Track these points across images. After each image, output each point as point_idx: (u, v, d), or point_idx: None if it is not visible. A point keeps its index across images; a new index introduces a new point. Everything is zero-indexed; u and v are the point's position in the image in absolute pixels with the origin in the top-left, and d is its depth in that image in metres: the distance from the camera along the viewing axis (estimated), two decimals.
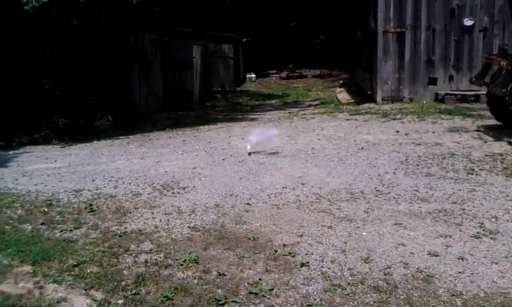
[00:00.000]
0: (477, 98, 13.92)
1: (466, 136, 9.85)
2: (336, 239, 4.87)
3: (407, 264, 4.30)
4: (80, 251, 4.71)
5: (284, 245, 4.74)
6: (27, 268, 4.36)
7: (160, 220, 5.49)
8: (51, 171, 8.24)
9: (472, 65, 14.51)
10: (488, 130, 10.16)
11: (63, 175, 7.85)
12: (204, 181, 7.11)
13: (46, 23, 14.38)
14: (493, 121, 10.61)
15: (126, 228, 5.29)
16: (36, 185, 7.22)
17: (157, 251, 4.66)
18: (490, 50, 13.89)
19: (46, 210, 5.97)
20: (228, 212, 5.72)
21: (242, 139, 10.21)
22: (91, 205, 6.06)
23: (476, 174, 7.21)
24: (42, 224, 5.49)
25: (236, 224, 5.32)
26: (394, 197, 6.19)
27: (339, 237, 4.92)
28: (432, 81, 14.77)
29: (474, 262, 4.34)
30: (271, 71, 30.62)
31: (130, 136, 12.46)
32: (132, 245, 4.80)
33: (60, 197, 6.51)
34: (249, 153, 8.83)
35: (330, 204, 5.95)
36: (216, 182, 7.01)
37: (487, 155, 8.29)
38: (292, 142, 10.09)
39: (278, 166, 7.93)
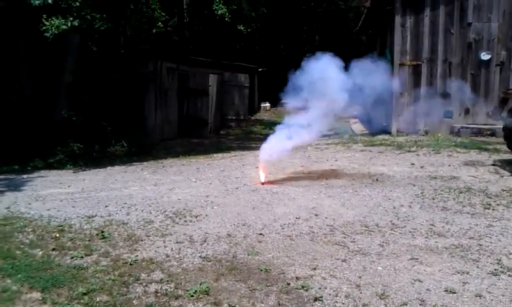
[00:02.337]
0: (493, 132, 13.77)
1: (482, 170, 9.70)
2: (350, 273, 4.76)
3: (423, 301, 4.18)
4: (91, 278, 4.66)
5: (297, 278, 4.64)
6: (37, 294, 4.32)
7: (172, 249, 5.43)
8: (64, 196, 8.26)
9: (488, 99, 14.41)
10: (505, 164, 9.99)
11: (76, 201, 7.86)
12: (217, 210, 7.06)
13: (66, 49, 14.65)
14: (509, 156, 10.45)
15: (137, 256, 5.24)
16: (48, 210, 7.23)
17: (167, 280, 4.59)
18: (507, 85, 13.82)
19: (57, 235, 5.95)
20: (240, 242, 5.65)
21: (256, 168, 10.17)
22: (102, 232, 6.03)
23: (493, 209, 7.05)
24: (53, 249, 5.46)
25: (248, 254, 5.24)
26: (410, 231, 6.06)
27: (353, 271, 4.81)
28: (448, 114, 14.68)
29: (492, 300, 4.20)
30: (286, 101, 30.70)
31: (144, 163, 12.51)
32: (143, 274, 4.74)
33: (72, 222, 6.50)
34: (263, 183, 8.78)
35: (344, 237, 5.85)
36: (229, 211, 6.95)
37: (504, 190, 8.13)
38: (306, 172, 10.02)
39: (292, 196, 7.85)
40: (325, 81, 8.89)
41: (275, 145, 9.28)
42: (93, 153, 13.71)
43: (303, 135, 9.27)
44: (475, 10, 14.61)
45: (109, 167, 11.91)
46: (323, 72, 8.98)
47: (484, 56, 14.46)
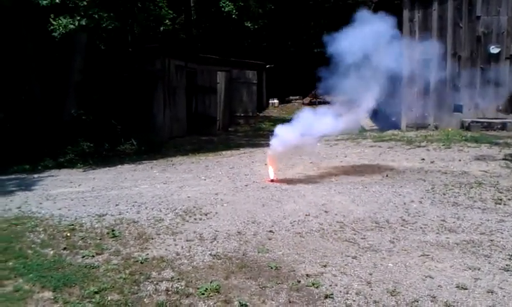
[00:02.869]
0: (503, 126, 13.66)
1: (493, 165, 9.62)
2: (361, 270, 4.74)
3: (435, 297, 4.15)
4: (102, 277, 4.68)
5: (307, 275, 4.63)
6: (48, 294, 4.35)
7: (182, 247, 5.44)
8: (75, 195, 8.31)
9: (499, 93, 14.27)
10: None
11: (86, 199, 7.90)
12: (226, 207, 7.06)
13: (74, 48, 14.72)
14: None
15: (148, 254, 5.26)
16: (59, 209, 7.28)
17: (178, 279, 4.61)
18: None
19: (68, 234, 5.98)
20: (250, 240, 5.65)
21: (265, 164, 10.16)
22: (113, 230, 6.06)
23: (504, 204, 7.00)
24: (64, 249, 5.50)
25: (258, 252, 5.24)
26: (421, 227, 6.03)
27: (364, 268, 4.79)
28: (458, 108, 14.57)
29: (504, 296, 4.17)
30: (294, 97, 30.67)
31: (154, 161, 12.55)
32: (154, 273, 4.76)
33: (83, 221, 6.53)
34: (272, 180, 8.77)
35: (354, 234, 5.83)
36: (238, 209, 6.95)
37: None
38: (315, 169, 10.00)
39: (301, 193, 7.84)
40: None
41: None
42: (103, 151, 13.77)
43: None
44: (483, 4, 14.47)
45: (119, 166, 11.97)
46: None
47: (494, 50, 14.32)
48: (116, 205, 7.39)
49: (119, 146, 14.68)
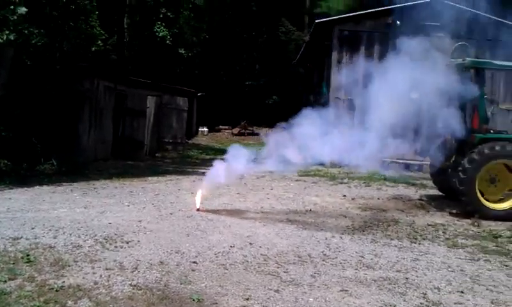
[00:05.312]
0: (420, 168, 14.49)
1: (409, 204, 10.16)
2: (283, 304, 4.79)
3: None
4: (14, 304, 4.41)
5: None
6: None
7: (101, 276, 5.23)
8: None
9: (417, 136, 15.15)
10: (431, 200, 10.53)
11: (0, 221, 7.41)
12: (149, 236, 6.90)
13: None
14: (435, 191, 11.02)
15: (64, 282, 5.00)
16: None
17: None
18: None
19: None
20: (173, 270, 5.54)
21: (192, 193, 10.08)
22: (28, 255, 5.73)
23: (419, 243, 7.38)
24: None
25: (181, 283, 5.15)
26: (340, 263, 6.21)
27: (286, 302, 4.84)
28: None
29: None
30: (224, 127, 30.91)
31: (75, 183, 12.02)
32: (69, 302, 4.53)
33: None
34: (198, 209, 8.71)
35: (277, 267, 5.89)
36: (162, 237, 6.81)
37: (429, 225, 8.55)
38: (242, 200, 10.05)
39: (227, 224, 7.84)
40: None
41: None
42: (21, 170, 13.03)
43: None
44: None
45: (37, 187, 11.35)
46: None
47: (414, 95, 15.22)
48: (32, 228, 6.99)
49: (38, 165, 13.96)
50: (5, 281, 4.93)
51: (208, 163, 17.65)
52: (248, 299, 4.84)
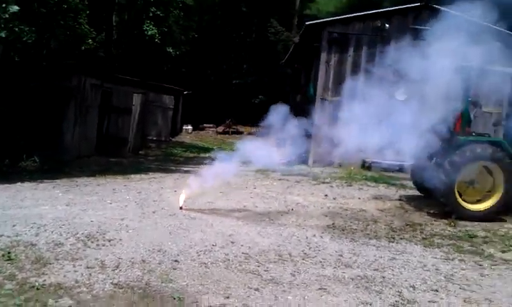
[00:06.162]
0: (400, 168, 14.69)
1: (389, 204, 10.33)
2: (263, 302, 4.89)
3: None
4: None
5: (210, 306, 4.69)
6: None
7: (82, 274, 5.28)
8: None
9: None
10: (410, 200, 10.71)
11: None
12: (131, 234, 6.94)
13: None
14: (414, 192, 11.21)
15: (45, 280, 5.04)
16: None
17: None
18: None
19: None
20: (154, 269, 5.60)
21: (175, 191, 10.13)
22: (9, 253, 5.74)
23: (397, 243, 7.55)
24: None
25: (162, 282, 5.22)
26: (320, 261, 6.34)
27: (266, 300, 4.94)
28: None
29: None
30: (208, 125, 30.92)
31: (57, 180, 11.96)
32: (50, 300, 4.57)
33: None
34: (181, 207, 8.76)
35: (258, 266, 5.99)
36: (144, 236, 6.86)
37: (407, 224, 8.72)
38: (225, 199, 10.13)
39: (209, 222, 7.91)
40: None
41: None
42: (2, 167, 12.93)
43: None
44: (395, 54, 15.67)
45: (19, 183, 11.28)
46: None
47: (400, 96, 15.44)
48: (13, 226, 6.98)
49: (21, 162, 13.86)
50: None
51: (191, 162, 17.81)
52: (228, 297, 4.93)
